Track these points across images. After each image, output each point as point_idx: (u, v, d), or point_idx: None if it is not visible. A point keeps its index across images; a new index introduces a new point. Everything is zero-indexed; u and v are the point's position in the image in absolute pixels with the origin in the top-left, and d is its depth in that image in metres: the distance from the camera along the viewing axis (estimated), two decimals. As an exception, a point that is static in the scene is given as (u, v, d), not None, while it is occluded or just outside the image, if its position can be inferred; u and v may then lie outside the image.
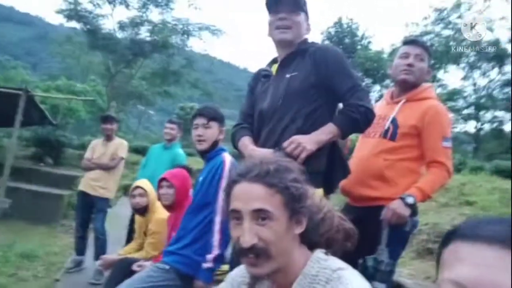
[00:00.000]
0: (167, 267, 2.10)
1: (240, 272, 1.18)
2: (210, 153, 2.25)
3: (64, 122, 11.96)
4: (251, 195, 0.99)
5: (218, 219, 2.06)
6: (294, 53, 1.82)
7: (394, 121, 2.05)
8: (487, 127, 19.71)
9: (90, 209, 4.42)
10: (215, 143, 2.26)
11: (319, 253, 1.04)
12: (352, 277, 0.97)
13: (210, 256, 2.03)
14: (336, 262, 1.03)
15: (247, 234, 0.96)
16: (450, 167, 1.97)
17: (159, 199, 2.73)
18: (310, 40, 1.90)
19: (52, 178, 8.13)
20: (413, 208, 1.88)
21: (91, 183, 4.38)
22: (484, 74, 19.28)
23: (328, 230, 1.10)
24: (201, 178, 2.25)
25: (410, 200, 1.87)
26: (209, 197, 2.14)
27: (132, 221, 4.01)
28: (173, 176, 2.64)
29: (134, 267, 2.52)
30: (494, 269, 0.52)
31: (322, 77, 1.74)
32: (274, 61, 1.94)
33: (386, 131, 2.04)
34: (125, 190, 7.86)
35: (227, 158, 2.20)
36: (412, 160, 2.00)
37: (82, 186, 4.48)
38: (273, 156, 1.11)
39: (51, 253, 5.15)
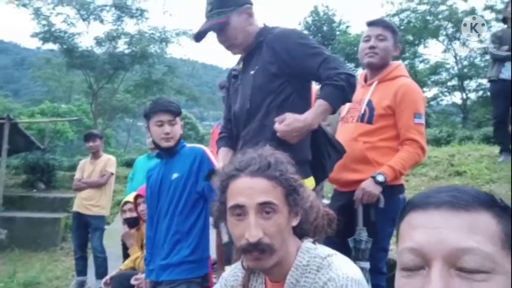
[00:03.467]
0: (184, 286, 1.98)
1: (232, 272, 1.19)
2: (174, 148, 2.15)
3: (53, 145, 11.82)
4: (255, 189, 0.98)
5: None
6: (254, 48, 1.74)
7: (369, 104, 2.06)
8: (473, 96, 19.86)
9: (86, 229, 4.41)
10: (179, 139, 2.17)
11: (308, 243, 1.06)
12: (341, 263, 1.00)
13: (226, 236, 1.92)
14: (325, 250, 1.05)
15: (253, 229, 0.95)
16: (423, 143, 1.98)
17: (140, 217, 2.76)
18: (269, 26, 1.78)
19: (47, 202, 8.07)
20: (383, 185, 1.89)
21: (84, 202, 4.38)
22: (464, 44, 19.42)
23: (316, 218, 1.11)
24: (174, 175, 2.09)
25: (380, 178, 1.89)
26: (200, 190, 2.05)
27: None
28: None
29: (132, 281, 2.52)
30: (442, 229, 0.56)
31: (287, 64, 1.65)
32: (242, 58, 1.88)
33: (363, 115, 2.06)
34: (121, 205, 7.83)
35: (205, 147, 2.17)
36: (392, 140, 2.01)
37: (75, 207, 4.48)
38: (268, 149, 1.09)
39: (53, 278, 5.14)
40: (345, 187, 2.09)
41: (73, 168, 9.69)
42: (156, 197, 2.16)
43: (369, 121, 2.03)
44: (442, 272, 0.54)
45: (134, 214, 2.95)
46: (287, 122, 1.55)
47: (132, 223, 2.98)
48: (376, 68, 2.12)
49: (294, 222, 1.04)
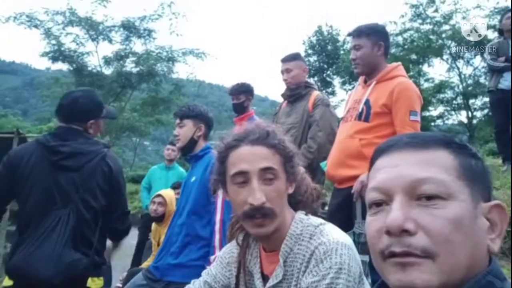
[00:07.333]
0: None
1: (228, 250, 1.23)
2: (196, 152, 2.19)
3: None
4: (257, 155, 1.03)
5: (218, 218, 1.97)
6: None
7: (367, 103, 2.13)
8: (478, 114, 19.82)
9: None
10: (192, 140, 2.17)
11: (300, 214, 1.11)
12: (332, 230, 1.05)
13: (212, 258, 1.89)
14: (317, 220, 1.10)
15: (257, 192, 1.00)
16: None
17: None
18: None
19: (53, 217, 8.09)
20: None
21: (90, 212, 4.42)
22: (468, 62, 19.53)
23: (306, 190, 1.17)
24: (193, 179, 2.14)
25: None
26: (211, 196, 2.00)
27: (139, 244, 4.15)
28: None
29: None
30: (400, 166, 0.63)
31: None
32: None
33: (360, 113, 2.13)
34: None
35: None
36: (388, 137, 2.05)
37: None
38: (263, 122, 1.16)
39: (57, 289, 5.12)
40: (342, 184, 2.13)
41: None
42: (181, 198, 2.28)
43: (366, 119, 2.09)
44: (402, 202, 0.60)
45: (162, 208, 3.09)
46: None
47: (155, 217, 3.17)
48: (366, 75, 2.21)
49: (290, 190, 1.10)
